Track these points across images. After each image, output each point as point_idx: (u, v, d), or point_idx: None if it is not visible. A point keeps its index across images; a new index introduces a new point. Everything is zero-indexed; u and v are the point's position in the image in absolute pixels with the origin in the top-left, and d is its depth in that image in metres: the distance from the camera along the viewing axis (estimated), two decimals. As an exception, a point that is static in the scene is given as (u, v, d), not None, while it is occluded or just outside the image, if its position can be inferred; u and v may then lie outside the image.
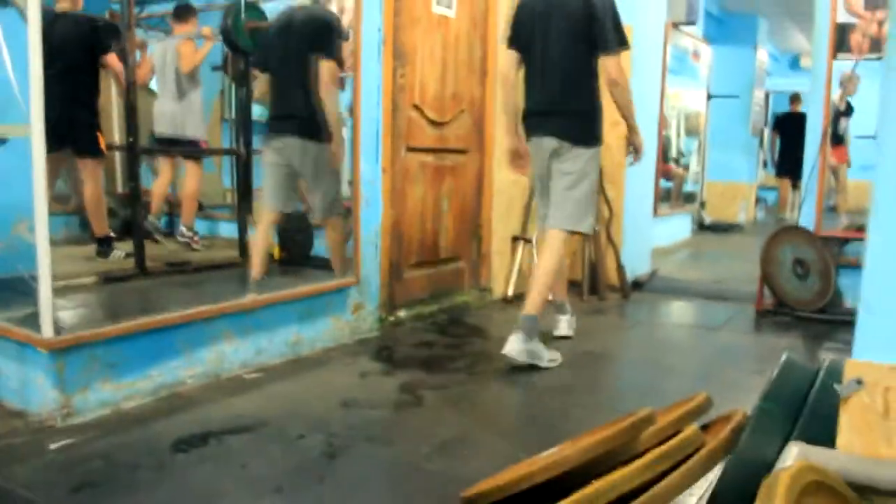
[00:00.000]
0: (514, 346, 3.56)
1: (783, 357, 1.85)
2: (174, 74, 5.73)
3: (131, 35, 4.66)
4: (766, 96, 12.21)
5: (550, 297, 4.01)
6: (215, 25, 5.46)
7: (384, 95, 4.10)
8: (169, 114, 5.74)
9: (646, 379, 3.64)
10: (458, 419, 2.98)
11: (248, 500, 2.24)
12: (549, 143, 3.74)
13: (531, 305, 3.64)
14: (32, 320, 2.74)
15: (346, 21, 4.14)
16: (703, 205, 10.18)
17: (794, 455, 1.50)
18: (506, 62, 3.88)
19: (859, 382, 1.52)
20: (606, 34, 3.61)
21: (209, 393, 3.14)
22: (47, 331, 2.67)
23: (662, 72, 6.80)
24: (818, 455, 1.47)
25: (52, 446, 2.56)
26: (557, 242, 3.73)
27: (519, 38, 3.80)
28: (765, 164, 12.05)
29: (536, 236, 4.46)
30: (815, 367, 1.85)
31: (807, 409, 1.70)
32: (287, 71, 4.03)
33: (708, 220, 10.13)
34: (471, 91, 4.89)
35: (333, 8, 4.57)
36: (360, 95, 3.95)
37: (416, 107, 4.43)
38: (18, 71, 2.78)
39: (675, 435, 1.91)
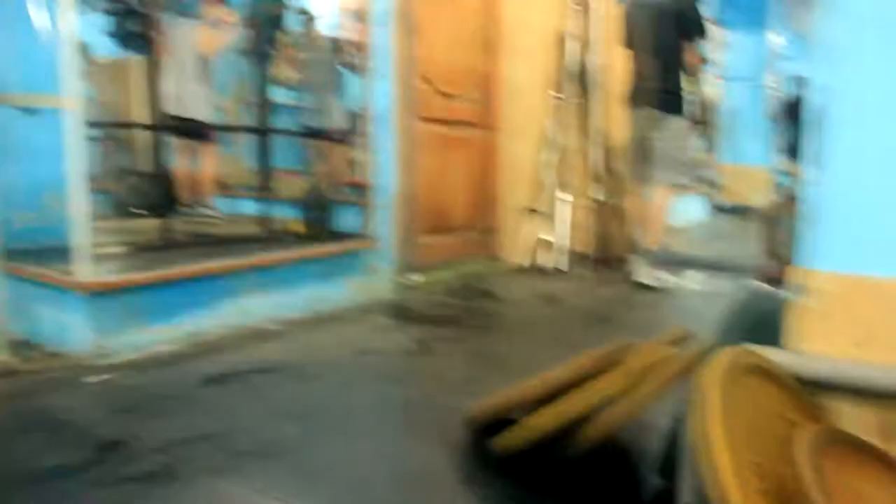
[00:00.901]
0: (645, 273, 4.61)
1: (748, 284, 2.01)
2: (192, 56, 5.78)
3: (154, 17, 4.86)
4: (782, 80, 12.23)
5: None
6: (242, 11, 5.64)
7: (396, 67, 4.29)
8: (184, 94, 5.81)
9: (646, 334, 3.79)
10: (467, 365, 3.17)
11: (268, 424, 2.43)
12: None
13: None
14: (71, 272, 2.96)
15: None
16: (718, 187, 10.26)
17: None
18: None
19: (804, 287, 1.66)
20: None
21: (233, 341, 3.35)
22: (84, 274, 2.88)
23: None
24: (769, 353, 1.63)
25: (90, 380, 2.77)
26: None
27: None
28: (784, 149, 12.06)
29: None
30: (777, 294, 1.99)
31: (766, 323, 1.85)
32: (654, 50, 4.64)
33: (723, 203, 10.22)
34: (481, 66, 5.06)
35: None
36: (373, 67, 4.14)
37: (427, 79, 4.61)
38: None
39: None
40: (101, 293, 2.96)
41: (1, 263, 2.89)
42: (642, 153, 4.79)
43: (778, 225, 4.88)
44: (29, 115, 3.58)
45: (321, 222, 4.99)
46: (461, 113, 4.93)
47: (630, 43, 4.90)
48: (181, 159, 6.17)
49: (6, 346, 2.84)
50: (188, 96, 5.77)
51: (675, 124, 4.71)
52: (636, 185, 4.98)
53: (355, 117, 5.43)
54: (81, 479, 2.01)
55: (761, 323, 1.90)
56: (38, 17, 3.26)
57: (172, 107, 5.85)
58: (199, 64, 5.84)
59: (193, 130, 5.87)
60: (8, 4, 3.40)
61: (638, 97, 4.78)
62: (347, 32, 6.11)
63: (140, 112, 6.30)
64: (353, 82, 6.10)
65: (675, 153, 4.74)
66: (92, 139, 5.03)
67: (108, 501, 1.91)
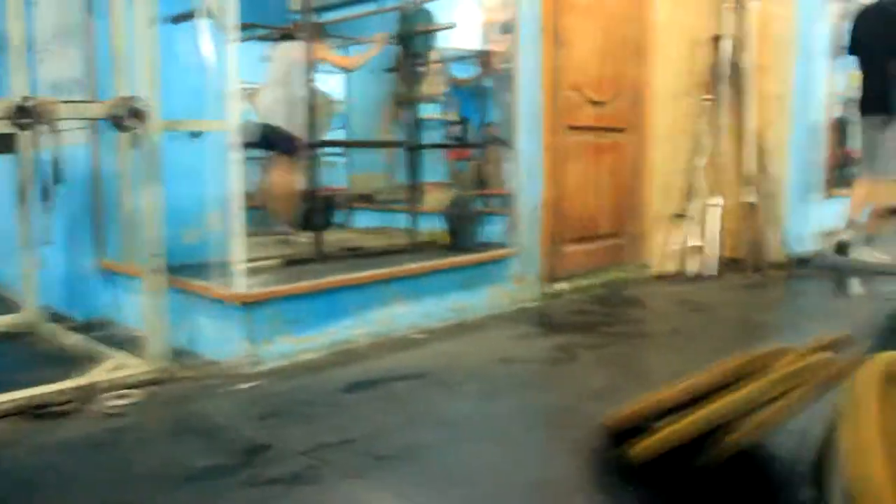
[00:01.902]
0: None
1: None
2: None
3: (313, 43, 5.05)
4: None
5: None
6: (388, 29, 5.79)
7: (543, 76, 4.29)
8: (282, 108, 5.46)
9: (800, 342, 3.60)
10: (611, 373, 3.10)
11: (409, 430, 2.46)
12: None
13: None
14: (227, 284, 3.12)
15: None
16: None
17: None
18: None
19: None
20: None
21: (378, 349, 3.42)
22: (239, 285, 3.04)
23: (834, 48, 6.53)
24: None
25: (242, 387, 2.91)
26: None
27: None
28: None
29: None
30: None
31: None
32: (876, 60, 4.75)
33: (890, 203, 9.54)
34: (629, 71, 4.97)
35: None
36: (520, 77, 4.17)
37: (575, 87, 4.57)
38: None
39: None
40: (252, 304, 3.10)
41: (167, 277, 3.07)
42: (873, 154, 4.94)
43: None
44: (194, 139, 3.82)
45: (466, 232, 5.03)
46: (610, 120, 4.86)
47: (856, 50, 4.98)
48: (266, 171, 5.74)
49: (167, 354, 3.01)
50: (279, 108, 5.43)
51: None
52: (865, 182, 5.09)
53: (504, 128, 5.45)
54: (230, 480, 2.10)
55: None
56: (200, 48, 3.46)
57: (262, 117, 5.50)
58: (293, 76, 5.36)
59: (280, 142, 5.47)
60: (173, 38, 3.64)
61: (867, 105, 4.91)
62: (495, 45, 6.14)
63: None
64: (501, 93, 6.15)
65: None
66: (251, 160, 5.31)
67: (254, 500, 1.99)
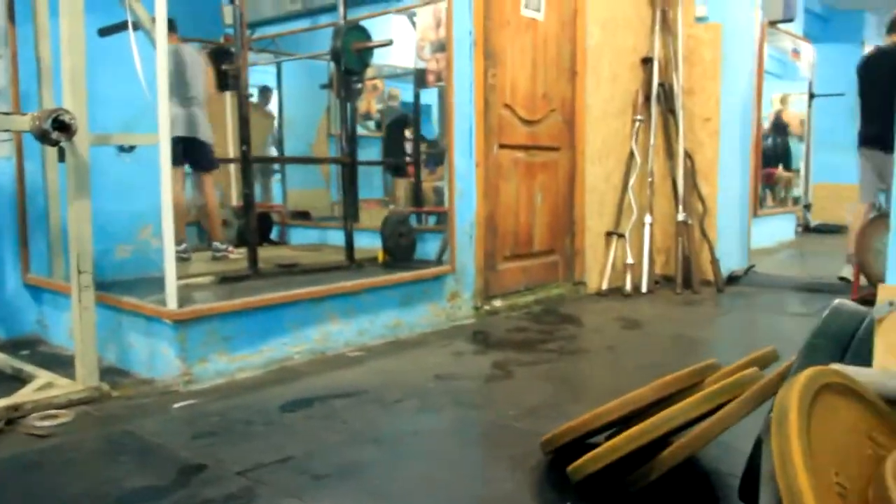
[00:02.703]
0: None
1: (834, 302, 1.92)
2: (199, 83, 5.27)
3: (244, 56, 5.02)
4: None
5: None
6: (323, 47, 5.78)
7: (476, 94, 4.33)
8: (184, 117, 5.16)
9: (733, 357, 3.68)
10: (547, 390, 3.13)
11: (349, 448, 2.45)
12: None
13: None
14: (159, 301, 3.07)
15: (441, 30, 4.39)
16: (808, 207, 9.95)
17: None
18: None
19: (892, 304, 1.59)
20: None
21: (315, 367, 3.40)
22: (171, 303, 2.99)
23: (759, 72, 6.76)
24: (854, 372, 1.55)
25: (176, 406, 2.85)
26: None
27: None
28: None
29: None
30: (866, 312, 1.90)
31: (854, 342, 1.77)
32: (876, 96, 5.10)
33: (814, 222, 9.89)
34: (561, 91, 5.06)
35: (431, 18, 4.83)
36: (453, 94, 4.19)
37: (508, 105, 4.63)
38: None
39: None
40: (186, 321, 3.05)
41: (97, 294, 3.00)
42: (871, 185, 5.30)
43: (870, 242, 4.70)
44: (126, 154, 3.75)
45: (402, 250, 5.04)
46: (543, 138, 4.93)
47: (863, 89, 5.36)
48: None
49: (98, 373, 2.93)
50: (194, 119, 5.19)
51: None
52: (867, 210, 5.32)
53: (437, 145, 5.48)
54: (164, 501, 2.05)
55: (848, 342, 1.82)
56: (133, 60, 3.40)
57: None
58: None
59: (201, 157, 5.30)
60: (104, 50, 3.57)
61: (869, 140, 5.24)
62: (428, 63, 6.18)
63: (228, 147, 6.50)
64: (436, 111, 6.19)
65: None
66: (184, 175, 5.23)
67: (190, 523, 1.96)
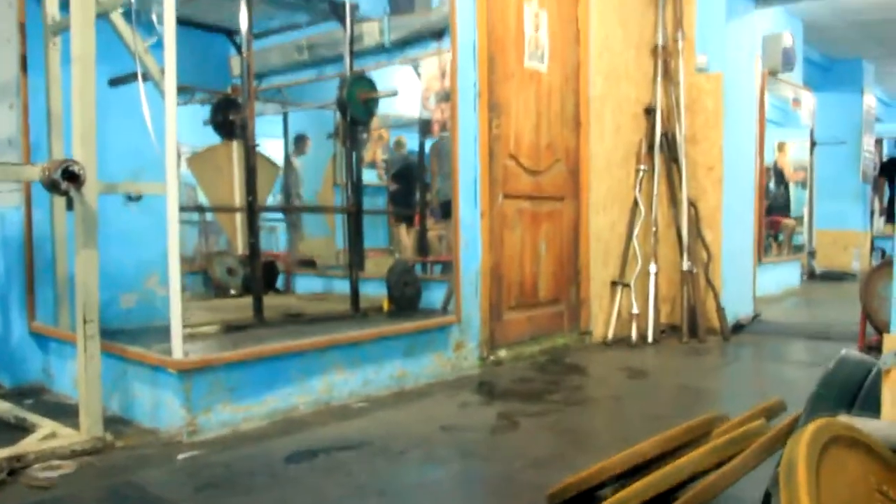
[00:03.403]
0: None
1: (841, 352, 1.93)
2: None
3: (251, 107, 5.09)
4: (879, 142, 11.92)
5: None
6: (329, 97, 5.85)
7: (480, 145, 4.37)
8: None
9: (740, 407, 3.66)
10: (553, 441, 3.11)
11: (353, 501, 2.43)
12: None
13: None
14: (165, 351, 3.07)
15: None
16: (812, 254, 9.97)
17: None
18: None
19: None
20: None
21: (319, 417, 3.38)
22: (177, 353, 2.99)
23: (760, 121, 6.83)
24: (862, 423, 1.55)
25: (180, 457, 2.83)
26: None
27: None
28: (881, 213, 11.71)
29: None
30: (872, 362, 1.90)
31: (862, 392, 1.77)
32: None
33: (818, 269, 9.90)
34: (565, 141, 5.10)
35: (435, 69, 4.91)
36: (458, 145, 4.23)
37: (512, 156, 4.67)
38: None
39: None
40: (191, 371, 3.04)
41: (102, 342, 2.99)
42: None
43: (875, 290, 4.70)
44: (133, 202, 3.79)
45: (407, 299, 5.04)
46: (547, 188, 4.96)
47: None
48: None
49: (102, 423, 2.92)
50: None
51: None
52: None
53: (444, 195, 5.50)
54: (167, 555, 2.04)
55: (855, 392, 1.82)
56: (142, 110, 3.44)
57: None
58: None
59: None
60: (114, 100, 3.63)
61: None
62: (433, 112, 6.25)
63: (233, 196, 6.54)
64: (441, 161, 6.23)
65: None
66: (190, 223, 5.27)
67: (192, 577, 1.93)
